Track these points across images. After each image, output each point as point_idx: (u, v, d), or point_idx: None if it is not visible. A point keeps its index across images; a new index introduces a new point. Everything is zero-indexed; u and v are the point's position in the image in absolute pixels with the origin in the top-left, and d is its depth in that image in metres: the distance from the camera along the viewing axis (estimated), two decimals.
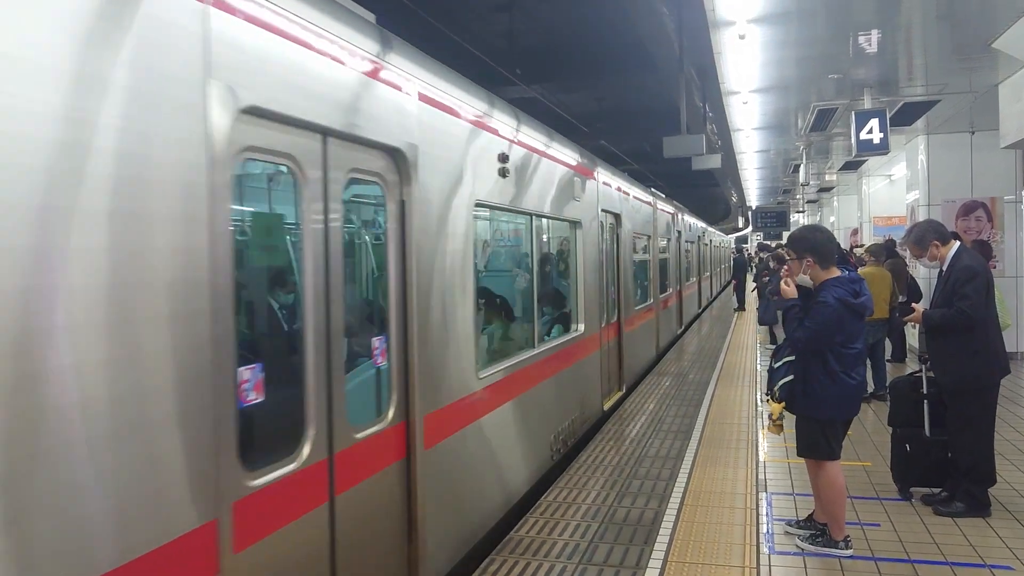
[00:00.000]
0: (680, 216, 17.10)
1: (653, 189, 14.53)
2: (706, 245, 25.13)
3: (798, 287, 4.77)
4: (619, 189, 9.95)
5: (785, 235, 22.82)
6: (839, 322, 4.47)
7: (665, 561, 4.54)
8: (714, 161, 12.96)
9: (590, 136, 17.91)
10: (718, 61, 8.55)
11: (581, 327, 7.64)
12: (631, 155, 22.98)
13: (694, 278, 20.15)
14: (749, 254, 38.72)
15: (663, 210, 14.26)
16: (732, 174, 23.93)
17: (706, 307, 24.04)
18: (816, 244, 4.74)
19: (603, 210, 8.79)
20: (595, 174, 8.51)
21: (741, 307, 22.43)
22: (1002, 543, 4.76)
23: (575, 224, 7.70)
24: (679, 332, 16.35)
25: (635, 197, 11.25)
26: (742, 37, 7.44)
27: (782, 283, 4.84)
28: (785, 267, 5.20)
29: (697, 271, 21.11)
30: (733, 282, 24.76)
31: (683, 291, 17.08)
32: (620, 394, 9.65)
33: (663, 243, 14.19)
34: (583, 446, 7.27)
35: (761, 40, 7.74)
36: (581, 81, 15.36)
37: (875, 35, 7.55)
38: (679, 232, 16.51)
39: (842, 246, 14.55)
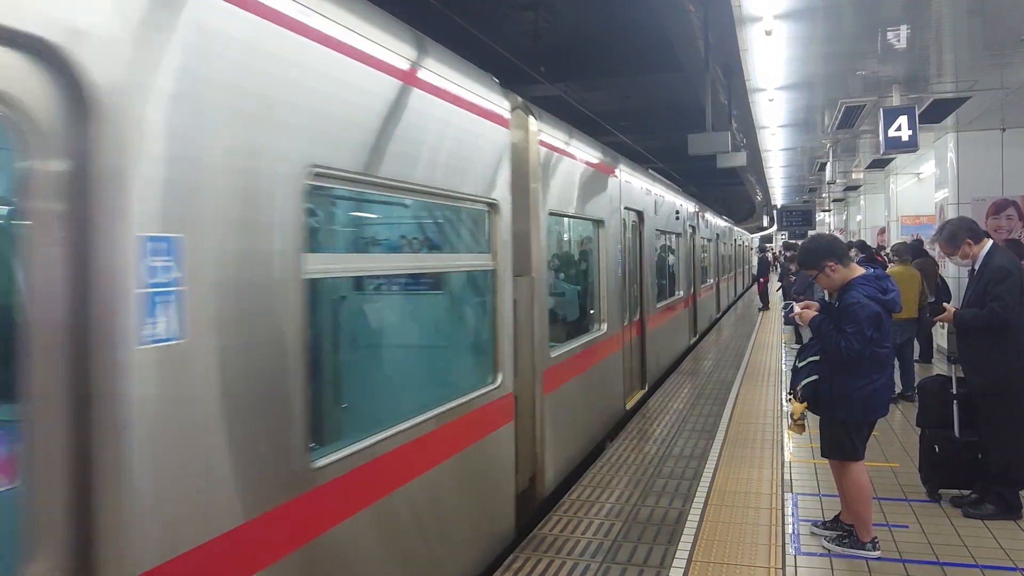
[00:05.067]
0: (706, 216, 18.85)
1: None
2: (740, 246, 29.43)
3: (820, 306, 4.82)
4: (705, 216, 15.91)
5: (811, 232, 22.62)
6: (877, 317, 4.43)
7: (689, 561, 4.52)
8: (739, 159, 12.83)
9: (614, 134, 17.85)
10: (744, 58, 8.48)
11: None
12: (656, 153, 22.85)
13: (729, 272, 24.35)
14: (774, 253, 38.39)
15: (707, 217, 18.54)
16: (757, 172, 23.73)
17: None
18: (825, 247, 4.76)
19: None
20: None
21: (766, 306, 22.28)
22: None
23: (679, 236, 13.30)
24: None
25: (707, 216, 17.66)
26: (768, 33, 7.37)
27: (796, 317, 4.84)
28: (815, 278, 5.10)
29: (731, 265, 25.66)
30: (759, 281, 24.66)
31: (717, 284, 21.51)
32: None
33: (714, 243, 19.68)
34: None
35: (788, 36, 7.66)
36: (606, 79, 15.29)
37: (904, 31, 7.44)
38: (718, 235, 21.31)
39: (869, 244, 14.39)
